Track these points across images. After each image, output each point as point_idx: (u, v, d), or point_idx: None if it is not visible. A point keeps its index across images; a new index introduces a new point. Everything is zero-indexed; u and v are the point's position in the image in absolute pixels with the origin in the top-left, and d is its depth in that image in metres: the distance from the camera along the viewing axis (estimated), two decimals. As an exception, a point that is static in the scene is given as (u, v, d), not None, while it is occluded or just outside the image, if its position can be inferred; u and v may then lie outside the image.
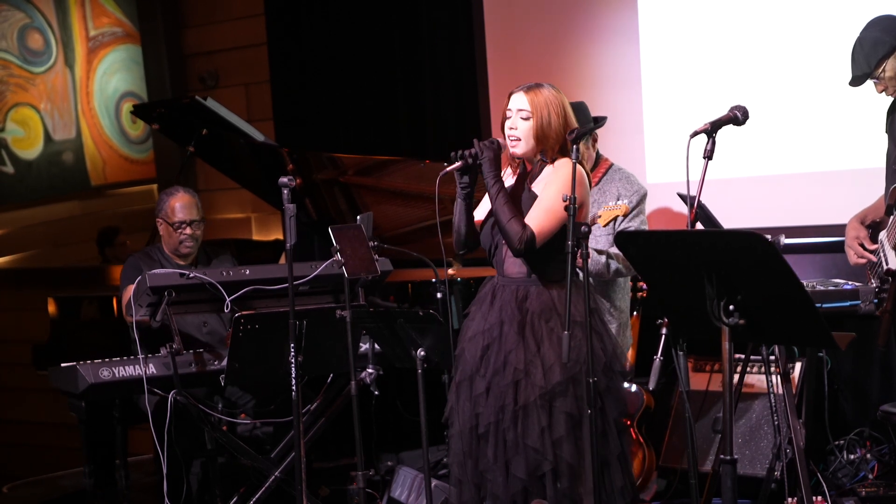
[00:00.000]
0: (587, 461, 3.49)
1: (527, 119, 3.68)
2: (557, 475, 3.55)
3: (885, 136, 4.23)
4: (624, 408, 3.71)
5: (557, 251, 3.56)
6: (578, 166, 3.62)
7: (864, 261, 4.12)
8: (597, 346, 3.62)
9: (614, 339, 3.76)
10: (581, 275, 3.55)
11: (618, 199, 4.61)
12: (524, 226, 3.59)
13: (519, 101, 3.70)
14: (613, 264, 4.41)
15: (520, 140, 3.69)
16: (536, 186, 3.71)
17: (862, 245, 4.12)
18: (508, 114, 3.72)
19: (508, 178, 3.79)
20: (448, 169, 3.68)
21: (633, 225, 4.58)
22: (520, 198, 3.70)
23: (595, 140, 4.72)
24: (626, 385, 4.50)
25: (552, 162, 3.71)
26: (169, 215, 4.95)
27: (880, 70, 4.00)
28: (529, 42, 6.11)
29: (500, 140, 3.73)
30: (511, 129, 3.70)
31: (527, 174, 3.77)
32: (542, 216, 3.60)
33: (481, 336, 3.69)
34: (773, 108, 5.23)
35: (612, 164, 4.74)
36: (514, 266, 3.71)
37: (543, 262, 3.65)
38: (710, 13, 5.53)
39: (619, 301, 4.65)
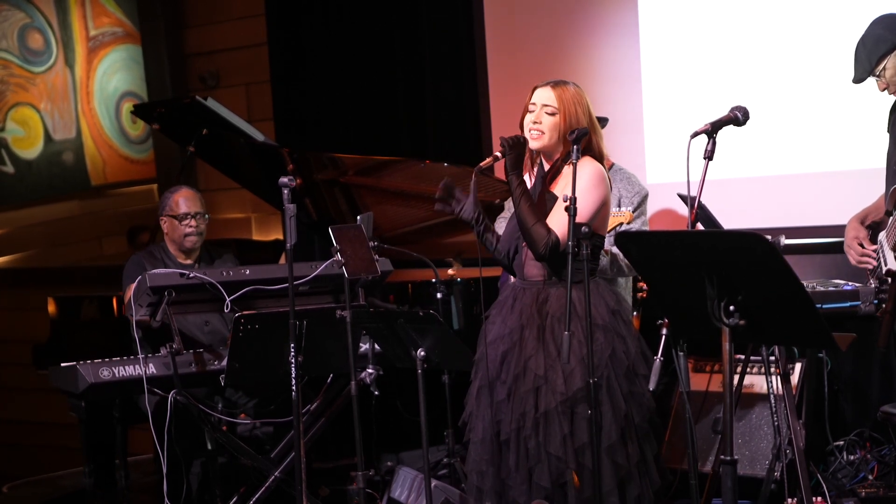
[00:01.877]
0: (603, 467, 3.45)
1: (552, 114, 3.63)
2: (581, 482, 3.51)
3: (885, 136, 4.22)
4: (647, 412, 3.63)
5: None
6: (598, 165, 3.62)
7: (865, 261, 4.11)
8: (619, 348, 3.58)
9: (641, 342, 3.69)
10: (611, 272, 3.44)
11: (620, 205, 4.60)
12: (549, 230, 3.55)
13: (545, 96, 3.65)
14: (616, 264, 4.41)
15: (543, 133, 3.64)
16: (557, 188, 3.67)
17: (861, 245, 4.12)
18: (531, 108, 3.66)
19: (527, 179, 3.75)
20: (481, 165, 3.65)
21: (634, 226, 4.57)
22: (542, 199, 3.67)
23: None
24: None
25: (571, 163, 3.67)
26: (173, 209, 4.98)
27: (881, 67, 3.99)
28: (529, 42, 6.11)
29: (523, 136, 3.67)
30: (535, 122, 3.65)
31: (545, 174, 3.72)
32: (565, 220, 3.52)
33: (501, 341, 3.66)
34: (774, 108, 5.23)
35: (612, 164, 4.73)
36: (535, 269, 3.68)
37: (565, 264, 3.60)
38: (710, 13, 5.53)
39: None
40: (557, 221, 3.56)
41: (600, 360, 3.49)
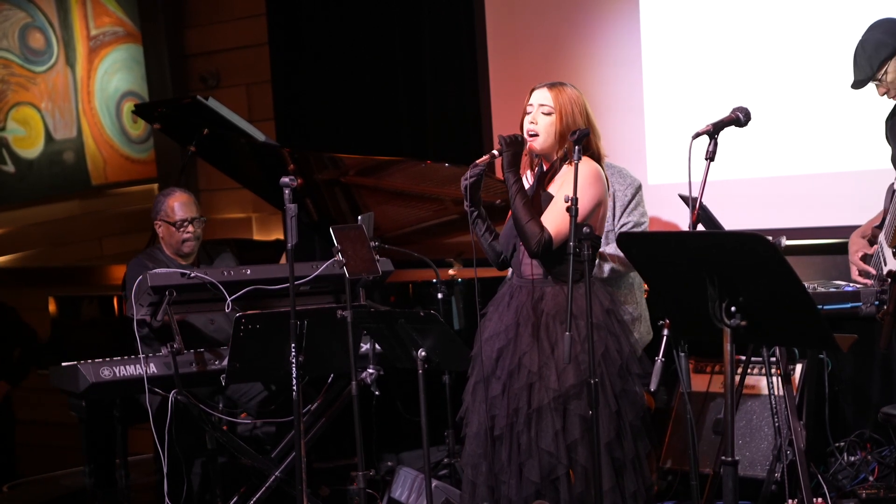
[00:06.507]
0: (599, 463, 3.46)
1: (548, 114, 3.66)
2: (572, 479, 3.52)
3: (886, 139, 4.21)
4: (640, 410, 3.65)
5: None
6: (596, 164, 3.63)
7: (864, 277, 4.08)
8: (612, 346, 3.60)
9: (633, 341, 3.72)
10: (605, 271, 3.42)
11: (615, 199, 4.55)
12: (542, 228, 3.57)
13: (541, 97, 3.68)
14: (607, 266, 4.39)
15: (538, 135, 3.67)
16: (553, 187, 3.69)
17: (864, 258, 4.09)
18: (529, 109, 3.69)
19: (526, 179, 3.76)
20: (478, 162, 3.65)
21: (632, 218, 4.53)
22: (538, 198, 3.68)
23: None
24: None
25: (570, 163, 3.66)
26: (169, 214, 4.96)
27: (882, 72, 3.99)
28: (530, 42, 6.12)
29: (522, 135, 3.68)
30: (531, 123, 3.68)
31: (544, 174, 3.74)
32: (558, 218, 3.57)
33: (496, 338, 3.68)
34: (775, 109, 5.23)
35: (604, 158, 4.70)
36: (531, 267, 3.69)
37: (559, 262, 3.62)
38: (712, 14, 5.53)
39: (627, 296, 4.60)
40: (551, 220, 3.59)
41: (594, 359, 3.50)
